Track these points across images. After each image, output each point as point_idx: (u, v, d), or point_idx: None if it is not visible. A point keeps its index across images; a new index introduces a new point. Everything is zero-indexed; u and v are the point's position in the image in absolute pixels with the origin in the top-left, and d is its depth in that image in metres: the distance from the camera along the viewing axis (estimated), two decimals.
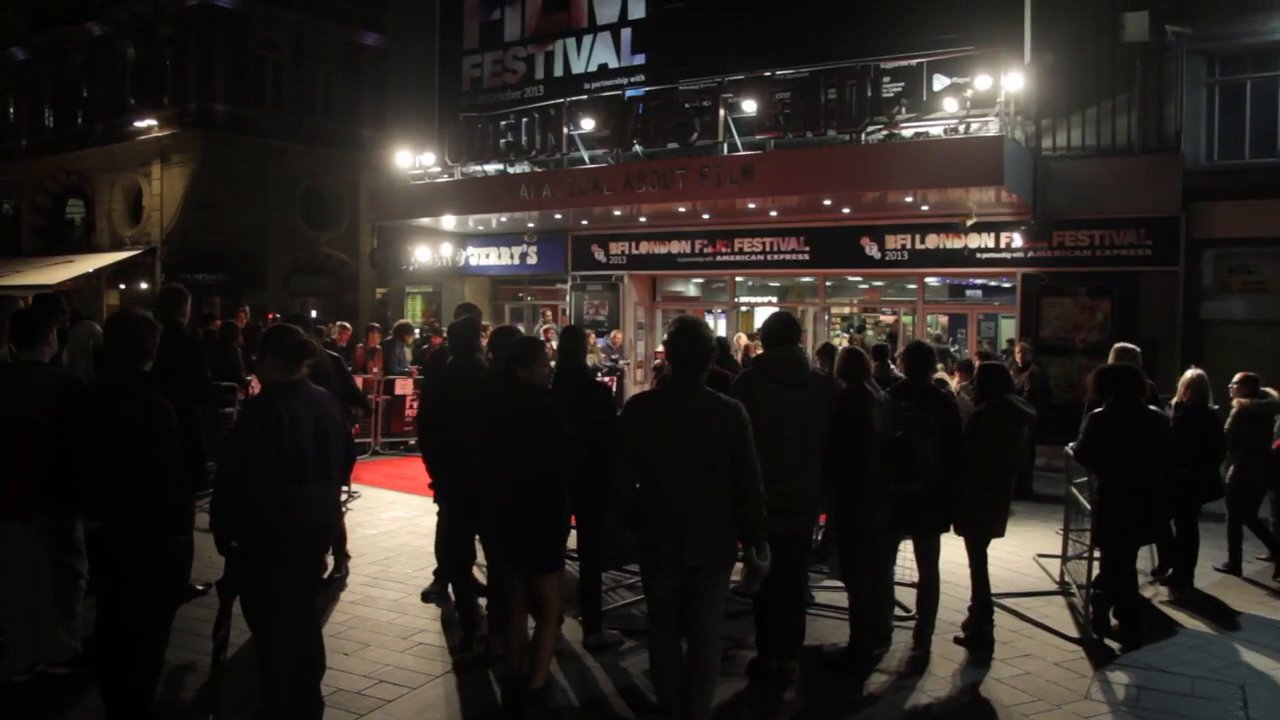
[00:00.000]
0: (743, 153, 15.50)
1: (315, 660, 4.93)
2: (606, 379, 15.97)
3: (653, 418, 4.92)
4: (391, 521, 10.23)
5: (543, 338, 6.19)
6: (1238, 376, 9.36)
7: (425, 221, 20.68)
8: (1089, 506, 7.32)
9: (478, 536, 6.71)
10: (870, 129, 14.44)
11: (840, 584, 6.89)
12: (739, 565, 5.06)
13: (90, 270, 28.85)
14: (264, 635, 4.75)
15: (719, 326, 19.23)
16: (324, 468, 4.79)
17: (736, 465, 4.78)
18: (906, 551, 7.00)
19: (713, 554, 4.84)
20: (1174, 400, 8.77)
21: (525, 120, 17.90)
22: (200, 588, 6.94)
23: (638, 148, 16.51)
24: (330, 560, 7.99)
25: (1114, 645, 6.88)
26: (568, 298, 21.20)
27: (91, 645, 5.07)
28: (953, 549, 6.87)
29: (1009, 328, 16.97)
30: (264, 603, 4.67)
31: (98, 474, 4.73)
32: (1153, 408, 7.42)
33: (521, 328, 9.98)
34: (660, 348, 16.98)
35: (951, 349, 17.04)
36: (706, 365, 4.96)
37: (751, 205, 16.49)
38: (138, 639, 4.74)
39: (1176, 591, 8.32)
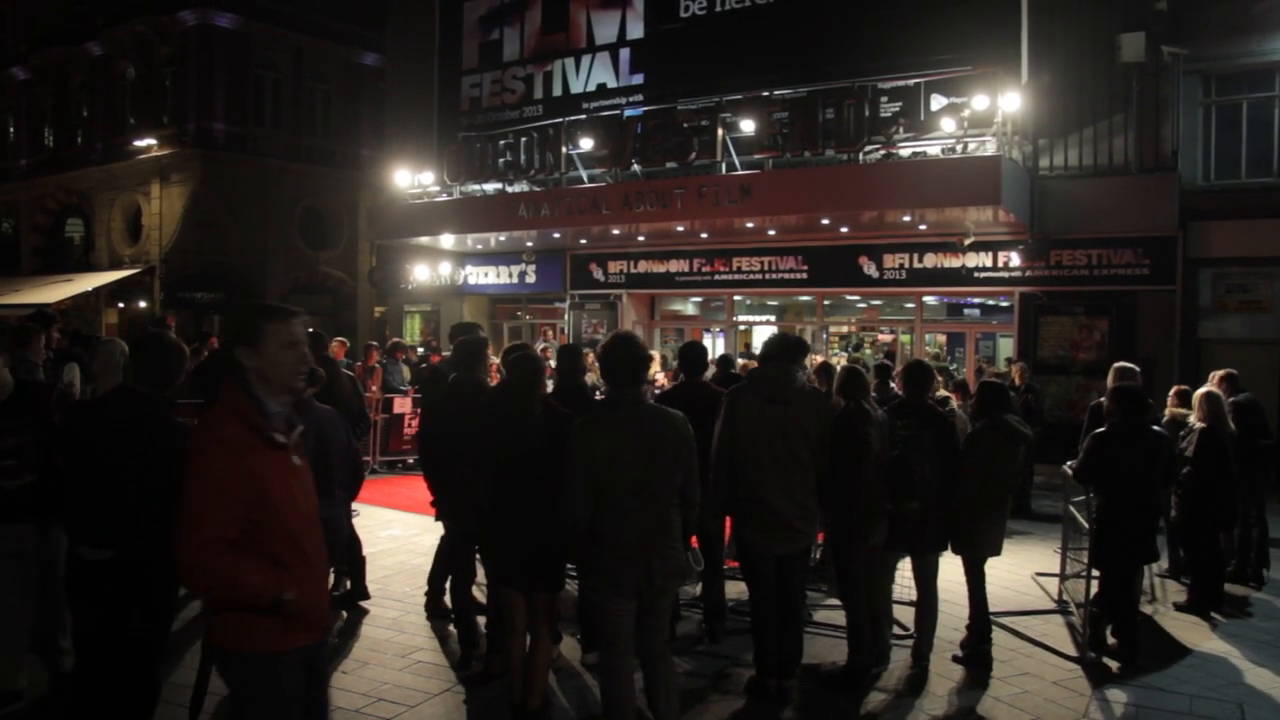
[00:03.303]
0: (741, 172, 15.57)
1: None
2: (604, 398, 15.94)
3: (607, 437, 4.75)
4: (390, 540, 10.22)
5: (542, 357, 6.22)
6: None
7: (424, 240, 20.74)
8: (1087, 525, 7.32)
9: (478, 555, 6.71)
10: (868, 149, 14.52)
11: (839, 602, 6.88)
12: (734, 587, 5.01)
13: (89, 289, 28.83)
14: None
15: (717, 345, 19.25)
16: (325, 485, 4.80)
17: (686, 477, 4.77)
18: (905, 570, 7.00)
19: (675, 571, 4.79)
20: (1191, 419, 8.71)
21: (524, 140, 17.96)
22: None
23: (636, 167, 16.58)
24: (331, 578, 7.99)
25: (1112, 664, 6.87)
26: (566, 316, 21.23)
27: (73, 681, 4.66)
28: (951, 567, 6.87)
29: (1007, 346, 16.99)
30: None
31: (112, 500, 4.34)
32: (1155, 428, 7.44)
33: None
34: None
35: (950, 367, 17.07)
36: (641, 377, 4.90)
37: (750, 224, 16.54)
38: (142, 668, 4.53)
39: (1201, 616, 8.24)
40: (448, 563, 7.37)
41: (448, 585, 7.32)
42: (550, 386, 6.84)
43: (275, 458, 3.31)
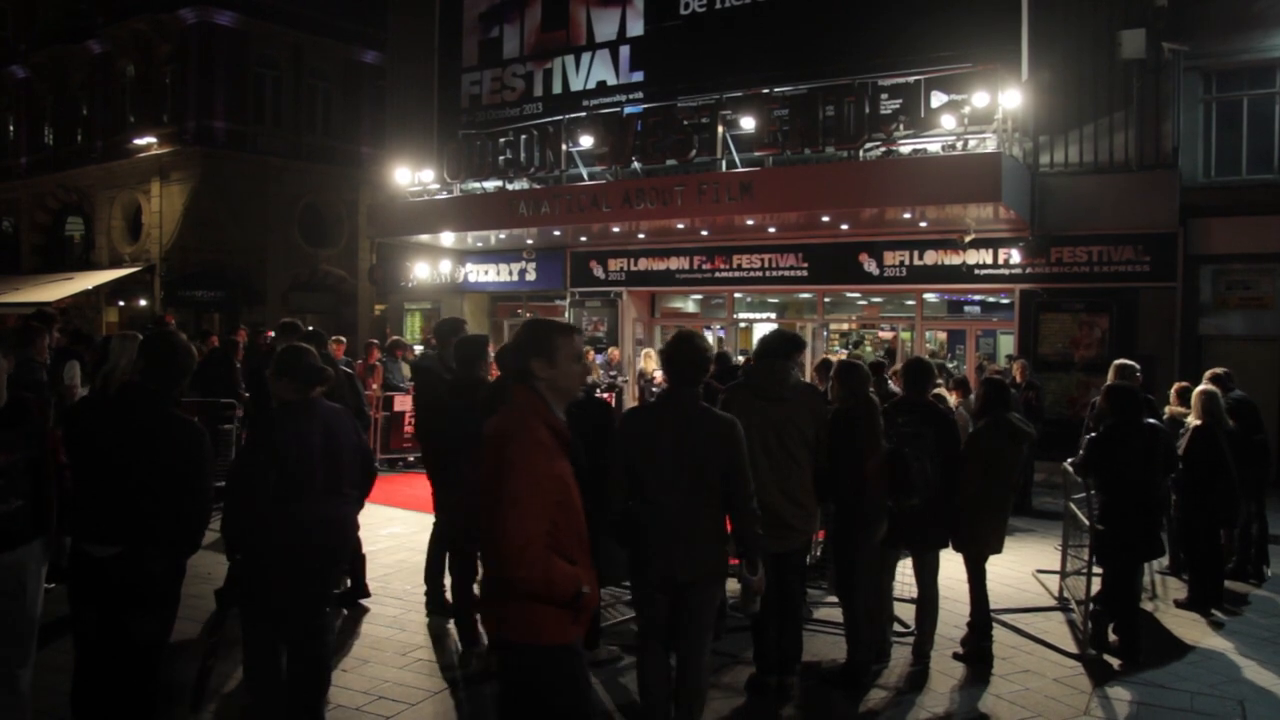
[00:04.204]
0: (741, 169, 15.55)
1: (316, 673, 4.96)
2: (605, 395, 15.96)
3: (647, 431, 4.88)
4: (390, 538, 10.22)
5: None
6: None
7: (424, 238, 20.72)
8: (1087, 522, 7.32)
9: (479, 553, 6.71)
10: (868, 146, 14.48)
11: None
12: (734, 584, 5.02)
13: (89, 287, 28.88)
14: (259, 645, 4.83)
15: (717, 343, 19.24)
16: (335, 484, 4.86)
17: (729, 480, 4.75)
18: (906, 567, 7.00)
19: (703, 569, 4.81)
20: (1189, 419, 8.69)
21: (524, 137, 17.93)
22: None
23: (636, 164, 16.55)
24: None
25: (1113, 661, 6.87)
26: (566, 314, 21.20)
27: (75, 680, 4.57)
28: (952, 565, 6.86)
29: (1007, 343, 16.99)
30: (260, 615, 4.74)
31: (118, 497, 4.38)
32: (1152, 421, 7.44)
33: None
34: (641, 361, 17.08)
35: (950, 365, 17.05)
36: (700, 377, 4.96)
37: (750, 222, 16.52)
38: (145, 665, 4.56)
39: (1202, 613, 8.22)
40: (441, 557, 7.41)
41: (447, 582, 7.31)
42: None
43: (567, 463, 3.56)
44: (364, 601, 7.82)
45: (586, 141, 17.05)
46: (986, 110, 13.92)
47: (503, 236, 19.77)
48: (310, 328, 8.77)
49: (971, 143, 14.12)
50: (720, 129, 15.69)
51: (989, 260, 16.06)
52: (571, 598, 3.39)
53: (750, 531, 4.84)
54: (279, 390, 4.91)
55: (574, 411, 5.59)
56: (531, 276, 21.44)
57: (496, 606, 3.49)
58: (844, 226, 16.61)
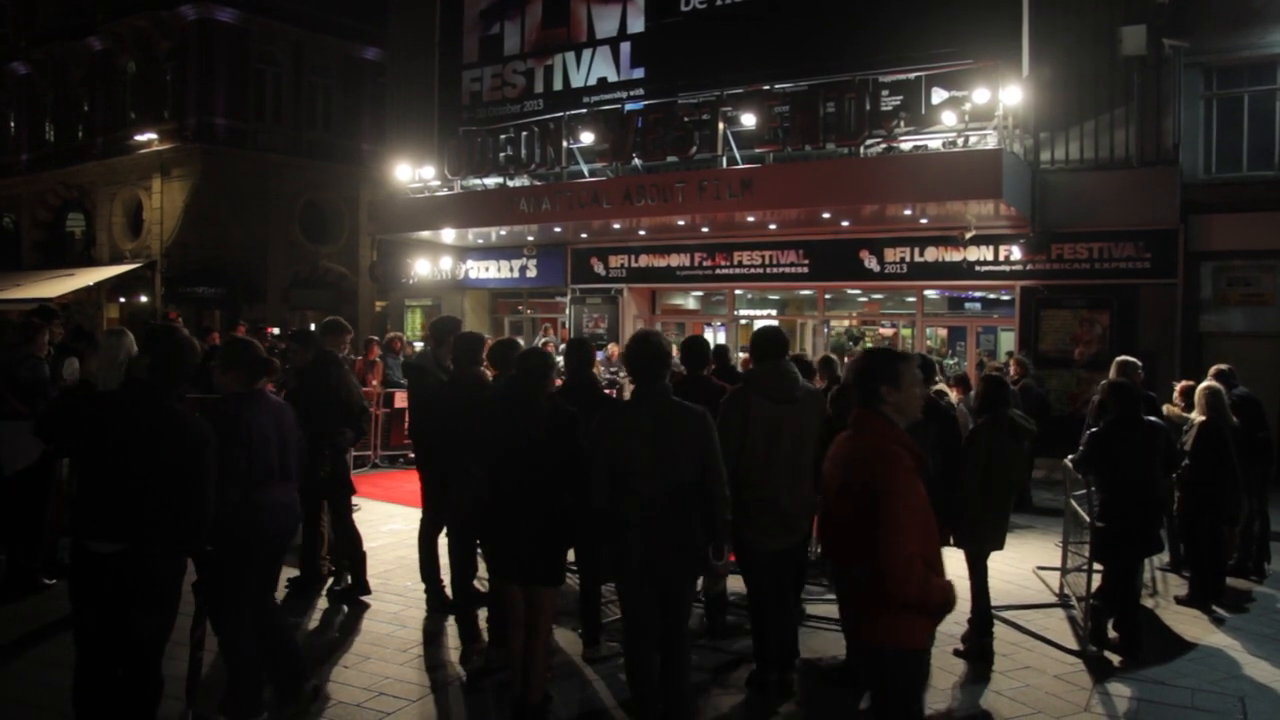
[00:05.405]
0: (741, 166, 15.54)
1: (290, 654, 5.10)
2: (607, 391, 15.95)
3: (622, 429, 4.98)
4: (391, 534, 10.22)
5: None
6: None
7: (425, 235, 20.70)
8: (1088, 519, 7.32)
9: (479, 549, 6.72)
10: (869, 142, 14.47)
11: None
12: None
13: (90, 284, 28.88)
14: (233, 629, 5.07)
15: (718, 339, 19.21)
16: (286, 470, 5.17)
17: (704, 470, 4.83)
18: None
19: (683, 562, 4.90)
20: (1192, 415, 8.69)
21: (524, 134, 17.93)
22: None
23: (637, 161, 16.55)
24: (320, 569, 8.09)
25: (1114, 658, 6.87)
26: (567, 311, 21.22)
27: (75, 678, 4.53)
28: (952, 561, 6.81)
29: (1008, 340, 16.98)
30: (232, 599, 4.97)
31: (121, 493, 4.36)
32: (1152, 418, 7.44)
33: (521, 340, 10.02)
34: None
35: (950, 362, 17.03)
36: (663, 373, 5.05)
37: (750, 218, 16.51)
38: (149, 661, 4.56)
39: (1202, 609, 8.22)
40: (433, 554, 7.47)
41: (446, 578, 7.31)
42: (558, 382, 6.83)
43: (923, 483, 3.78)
44: (364, 598, 7.82)
45: (587, 138, 17.05)
46: (987, 107, 13.91)
47: (503, 233, 19.76)
48: (333, 318, 8.66)
49: (972, 139, 14.11)
50: (721, 125, 15.69)
51: (989, 257, 16.05)
52: (941, 606, 3.69)
53: (721, 518, 4.98)
54: (226, 382, 5.12)
55: (587, 407, 5.63)
56: (532, 273, 21.44)
57: (872, 617, 3.75)
58: (845, 223, 16.60)
